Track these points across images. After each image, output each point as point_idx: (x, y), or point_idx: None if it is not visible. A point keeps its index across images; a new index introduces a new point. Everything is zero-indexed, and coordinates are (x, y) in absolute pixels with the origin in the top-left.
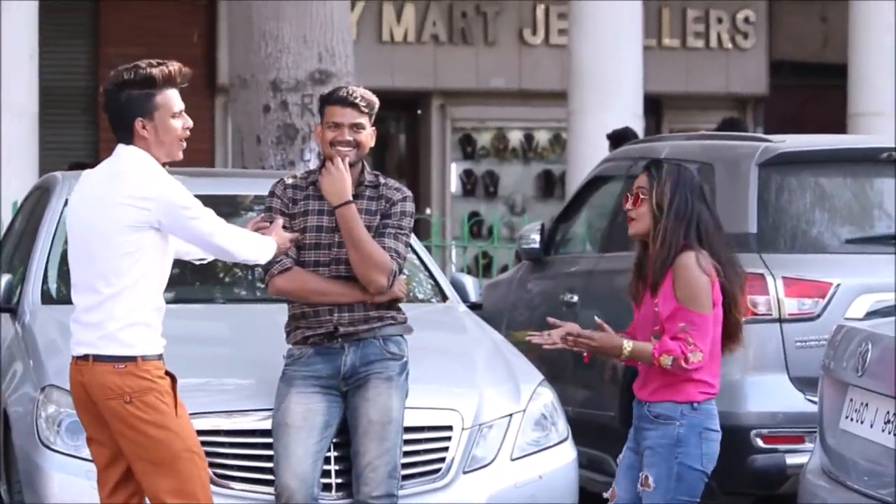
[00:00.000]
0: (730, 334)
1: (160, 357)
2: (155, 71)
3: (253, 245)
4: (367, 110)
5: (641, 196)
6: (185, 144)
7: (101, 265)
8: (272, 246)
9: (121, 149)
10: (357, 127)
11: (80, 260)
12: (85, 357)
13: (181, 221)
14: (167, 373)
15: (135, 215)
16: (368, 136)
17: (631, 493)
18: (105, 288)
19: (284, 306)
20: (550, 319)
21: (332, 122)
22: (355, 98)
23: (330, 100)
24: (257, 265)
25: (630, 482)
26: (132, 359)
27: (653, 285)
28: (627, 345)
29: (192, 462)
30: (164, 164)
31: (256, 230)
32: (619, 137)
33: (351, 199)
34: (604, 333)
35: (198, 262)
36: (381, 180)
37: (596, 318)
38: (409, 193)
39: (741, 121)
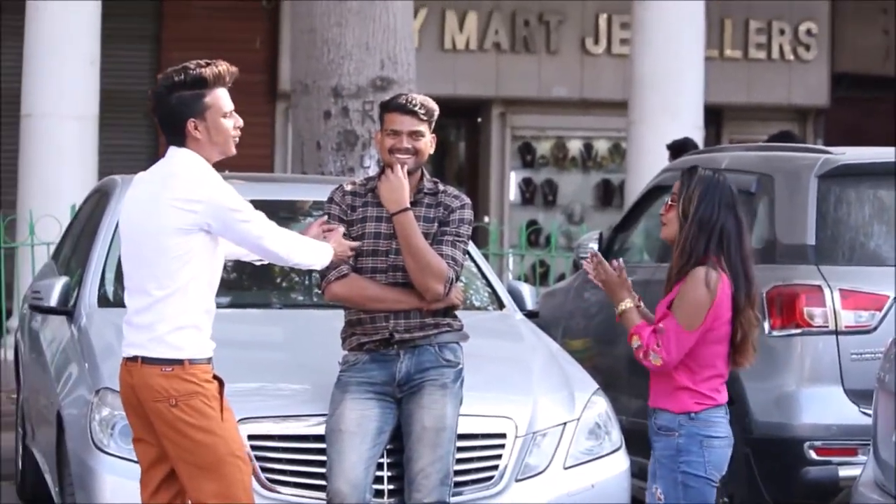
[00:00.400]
0: (737, 348)
1: (209, 361)
2: (205, 71)
3: (306, 250)
4: (426, 118)
5: (671, 202)
6: (237, 140)
7: (152, 268)
8: (328, 252)
9: (172, 151)
10: (416, 134)
11: (132, 262)
12: (134, 358)
13: (231, 224)
14: (215, 377)
15: (184, 218)
16: (427, 144)
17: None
18: (156, 290)
19: (341, 312)
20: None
21: (392, 129)
22: (414, 105)
23: (389, 107)
24: (312, 269)
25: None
26: (179, 362)
27: (669, 288)
28: (626, 304)
29: (235, 467)
30: (218, 163)
31: (321, 232)
32: (679, 148)
33: (409, 206)
34: (618, 279)
35: (257, 263)
36: (441, 187)
37: (621, 261)
38: (467, 201)
39: (795, 134)
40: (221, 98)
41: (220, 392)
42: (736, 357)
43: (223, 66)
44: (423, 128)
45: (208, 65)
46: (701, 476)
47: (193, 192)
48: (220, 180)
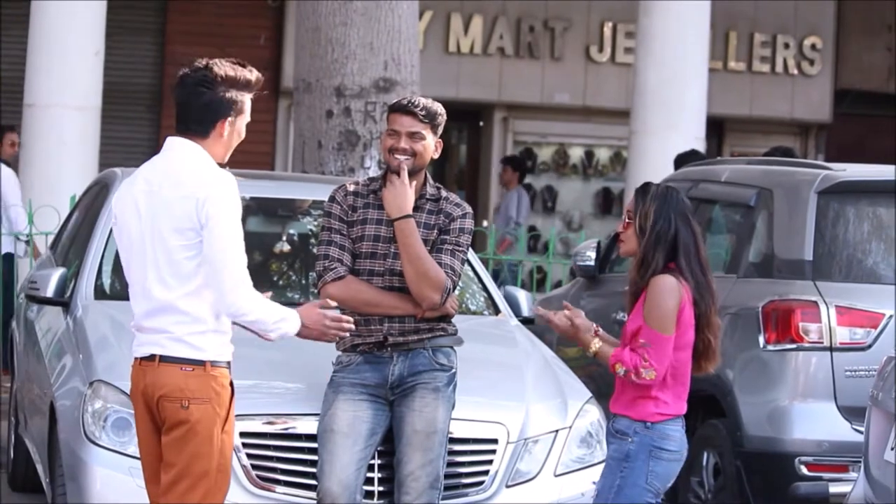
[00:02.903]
0: (702, 353)
1: (229, 364)
2: (256, 74)
3: (268, 310)
4: (426, 120)
5: (628, 219)
6: None
7: (160, 270)
8: (294, 322)
9: (175, 143)
10: (415, 136)
11: (137, 263)
12: (151, 357)
13: (209, 225)
14: (231, 383)
15: (190, 217)
16: (427, 147)
17: None
18: (165, 293)
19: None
20: (565, 304)
21: (392, 129)
22: (415, 106)
23: (392, 108)
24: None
25: None
26: (201, 363)
27: (632, 302)
28: (595, 344)
29: (217, 485)
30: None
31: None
32: (683, 159)
33: (411, 213)
34: (571, 327)
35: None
36: (443, 194)
37: (565, 303)
38: (469, 210)
39: (793, 150)
40: (249, 106)
41: (231, 399)
42: (702, 363)
43: (259, 75)
44: (423, 129)
45: (249, 69)
46: (639, 485)
47: (200, 189)
48: (229, 180)
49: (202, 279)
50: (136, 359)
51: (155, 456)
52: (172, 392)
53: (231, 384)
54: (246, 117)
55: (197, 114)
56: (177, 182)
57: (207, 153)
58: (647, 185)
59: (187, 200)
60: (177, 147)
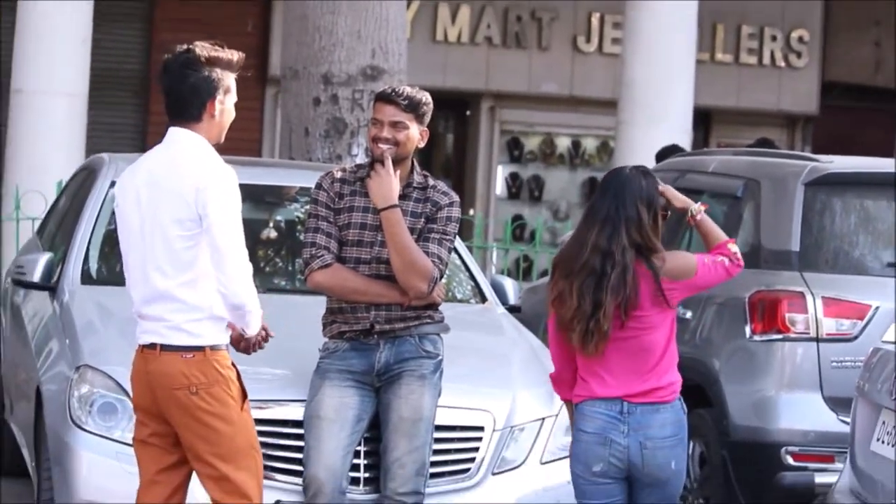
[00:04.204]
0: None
1: (227, 347)
2: (237, 56)
3: (256, 307)
4: (409, 109)
5: None
6: None
7: (159, 259)
8: (258, 322)
9: (177, 135)
10: (398, 125)
11: (136, 251)
12: (152, 346)
13: (210, 215)
14: (232, 363)
15: (191, 207)
16: (410, 136)
17: None
18: (164, 281)
19: (323, 298)
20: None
21: (375, 118)
22: (398, 96)
23: (377, 97)
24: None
25: None
26: (200, 349)
27: None
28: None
29: (253, 459)
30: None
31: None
32: (665, 154)
33: (397, 203)
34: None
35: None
36: (430, 182)
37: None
38: (456, 198)
39: (773, 142)
40: (234, 86)
41: (239, 379)
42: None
43: (240, 56)
44: (406, 119)
45: (230, 50)
46: (571, 469)
47: (200, 180)
48: (229, 173)
49: (200, 268)
50: (139, 345)
51: (153, 434)
52: (178, 380)
53: (234, 365)
54: (233, 96)
55: (186, 97)
56: (178, 174)
57: (207, 141)
58: None
59: (187, 191)
60: (180, 139)
